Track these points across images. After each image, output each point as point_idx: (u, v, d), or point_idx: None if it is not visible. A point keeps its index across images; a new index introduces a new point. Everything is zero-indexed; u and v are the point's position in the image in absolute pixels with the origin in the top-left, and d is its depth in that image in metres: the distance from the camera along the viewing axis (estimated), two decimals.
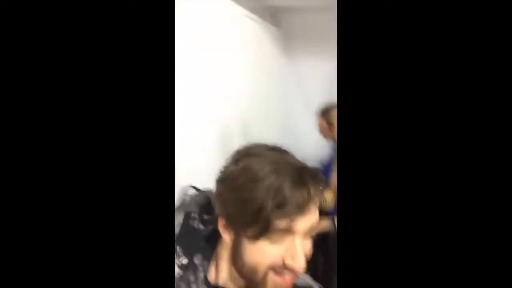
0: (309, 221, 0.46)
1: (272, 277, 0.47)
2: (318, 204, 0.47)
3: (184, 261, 0.54)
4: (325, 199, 1.52)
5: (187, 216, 0.58)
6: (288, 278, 0.47)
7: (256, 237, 0.45)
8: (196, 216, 0.58)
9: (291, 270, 0.46)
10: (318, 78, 2.22)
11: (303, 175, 0.46)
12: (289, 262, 0.45)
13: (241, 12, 1.77)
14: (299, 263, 0.45)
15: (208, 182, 0.59)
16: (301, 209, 0.44)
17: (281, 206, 0.43)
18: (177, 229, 0.57)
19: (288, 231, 0.45)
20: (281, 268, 0.46)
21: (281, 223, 0.44)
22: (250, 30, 1.93)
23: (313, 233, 0.49)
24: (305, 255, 0.47)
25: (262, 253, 0.46)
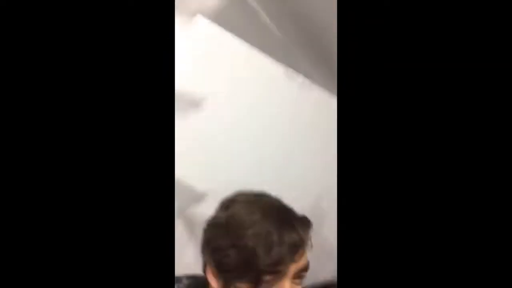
0: (299, 263, 0.46)
1: None
2: (307, 246, 0.47)
3: None
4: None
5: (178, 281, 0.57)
6: None
7: None
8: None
9: None
10: None
11: (290, 219, 0.47)
12: None
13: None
14: None
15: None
16: (292, 252, 0.44)
17: (271, 250, 0.43)
18: None
19: (278, 273, 0.44)
20: None
21: (273, 270, 0.44)
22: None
23: (303, 276, 0.48)
24: None
25: None
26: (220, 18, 1.04)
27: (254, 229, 0.45)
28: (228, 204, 0.50)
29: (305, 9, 1.07)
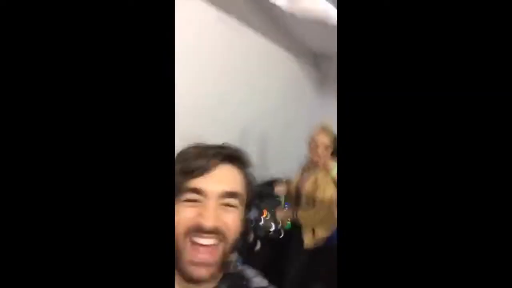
0: (218, 184, 0.51)
1: (189, 248, 0.48)
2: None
3: None
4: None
5: None
6: (206, 251, 0.48)
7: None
8: None
9: (201, 230, 0.48)
10: None
11: (208, 150, 0.53)
12: (199, 221, 0.47)
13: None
14: (207, 220, 0.47)
15: None
16: (199, 171, 0.50)
17: (184, 170, 0.50)
18: None
19: (199, 192, 0.49)
20: (196, 232, 0.48)
21: (187, 183, 0.49)
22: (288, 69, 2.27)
23: (232, 203, 0.51)
24: (225, 222, 0.49)
25: (179, 216, 0.49)
26: None
27: (180, 156, 0.53)
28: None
29: None
